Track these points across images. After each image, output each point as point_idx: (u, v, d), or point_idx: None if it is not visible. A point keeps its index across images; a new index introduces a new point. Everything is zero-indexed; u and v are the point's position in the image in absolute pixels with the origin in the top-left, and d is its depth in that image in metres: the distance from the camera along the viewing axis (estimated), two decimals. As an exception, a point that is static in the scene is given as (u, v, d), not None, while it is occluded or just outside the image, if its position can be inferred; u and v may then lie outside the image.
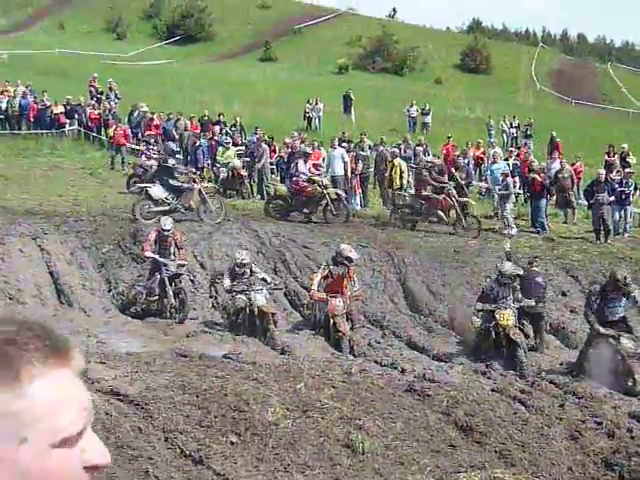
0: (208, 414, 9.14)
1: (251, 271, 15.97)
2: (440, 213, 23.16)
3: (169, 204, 21.97)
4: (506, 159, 29.85)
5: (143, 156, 27.00)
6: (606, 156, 32.74)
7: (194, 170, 24.13)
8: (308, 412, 9.45)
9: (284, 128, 35.29)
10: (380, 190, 27.25)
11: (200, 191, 22.16)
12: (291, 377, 10.91)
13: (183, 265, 17.34)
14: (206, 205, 22.19)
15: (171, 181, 22.25)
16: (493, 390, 11.35)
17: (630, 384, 12.86)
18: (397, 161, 25.78)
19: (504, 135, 42.51)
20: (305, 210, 23.37)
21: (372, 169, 28.30)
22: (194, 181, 22.54)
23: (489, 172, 26.63)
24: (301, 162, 24.09)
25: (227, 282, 15.97)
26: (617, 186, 24.35)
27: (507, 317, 14.31)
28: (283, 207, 23.46)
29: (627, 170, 26.07)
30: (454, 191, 23.30)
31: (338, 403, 9.80)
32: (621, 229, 24.76)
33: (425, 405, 10.23)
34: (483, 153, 31.85)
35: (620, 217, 24.74)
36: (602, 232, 23.43)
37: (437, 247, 21.61)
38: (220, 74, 60.97)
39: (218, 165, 27.98)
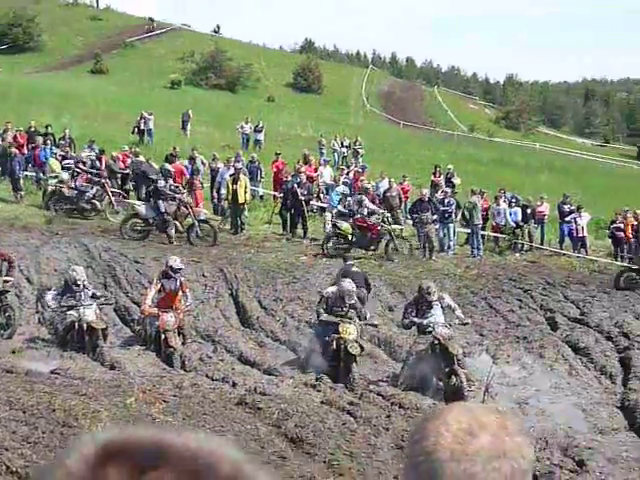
0: (35, 430, 8.94)
1: (83, 286, 15.72)
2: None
3: (155, 225, 22.98)
4: (338, 177, 30.44)
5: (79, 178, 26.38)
6: (432, 176, 33.83)
7: (185, 193, 24.25)
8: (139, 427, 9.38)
9: (115, 142, 34.79)
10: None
11: (189, 215, 23.21)
12: (121, 392, 10.82)
13: (8, 281, 16.86)
14: (194, 229, 23.22)
15: (159, 202, 22.89)
16: (322, 402, 11.56)
17: (455, 381, 13.38)
18: (242, 177, 25.95)
19: (335, 154, 43.17)
20: (371, 247, 23.58)
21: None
22: (185, 206, 23.27)
23: (330, 194, 27.09)
24: (366, 199, 24.08)
25: (51, 300, 15.66)
26: (440, 205, 25.28)
27: (350, 331, 14.61)
28: (344, 244, 23.55)
29: (446, 189, 27.09)
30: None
31: (169, 417, 9.79)
32: (445, 246, 25.69)
33: (256, 418, 10.32)
34: (315, 170, 32.29)
35: (444, 235, 25.68)
36: (427, 249, 24.25)
37: (269, 263, 21.81)
38: (49, 85, 59.41)
39: (45, 178, 27.36)
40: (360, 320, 15.17)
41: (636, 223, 26.71)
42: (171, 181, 24.02)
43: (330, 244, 23.60)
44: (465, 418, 1.50)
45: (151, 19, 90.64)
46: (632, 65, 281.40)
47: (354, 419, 10.75)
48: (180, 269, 16.35)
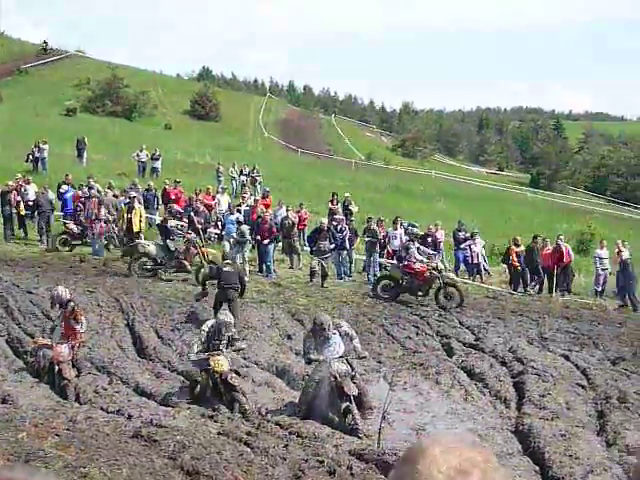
0: None
1: None
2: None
3: (164, 263, 23.32)
4: (238, 205, 30.45)
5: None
6: (330, 204, 34.09)
7: (194, 234, 24.32)
8: (30, 461, 9.16)
9: (9, 170, 34.11)
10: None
11: (198, 255, 23.68)
12: (12, 426, 10.54)
13: None
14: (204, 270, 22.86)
15: (168, 242, 23.34)
16: (219, 433, 11.46)
17: (349, 421, 13.41)
18: (137, 205, 25.72)
19: (234, 182, 43.18)
20: (419, 293, 23.44)
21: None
22: (194, 246, 23.61)
23: (225, 222, 26.93)
24: (413, 246, 23.87)
25: None
26: (337, 233, 25.47)
27: (221, 363, 14.55)
28: (393, 287, 23.50)
29: (338, 217, 27.34)
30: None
31: (62, 451, 9.57)
32: (342, 274, 25.89)
33: (152, 450, 10.18)
34: (213, 198, 32.25)
35: (340, 262, 25.90)
36: (321, 277, 24.40)
37: (166, 292, 21.63)
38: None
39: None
40: (228, 347, 15.14)
41: (520, 250, 27.30)
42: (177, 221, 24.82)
43: (379, 288, 23.79)
44: (452, 456, 1.51)
45: (45, 42, 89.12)
46: (523, 93, 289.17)
47: (251, 449, 10.68)
48: (67, 300, 16.03)
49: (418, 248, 24.10)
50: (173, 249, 23.30)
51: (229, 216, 26.83)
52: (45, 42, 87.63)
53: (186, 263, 23.51)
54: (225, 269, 19.88)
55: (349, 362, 14.19)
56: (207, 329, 15.09)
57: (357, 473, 10.11)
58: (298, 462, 10.27)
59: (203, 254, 23.68)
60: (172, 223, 23.86)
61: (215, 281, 20.13)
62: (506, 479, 1.56)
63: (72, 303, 15.94)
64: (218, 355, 14.64)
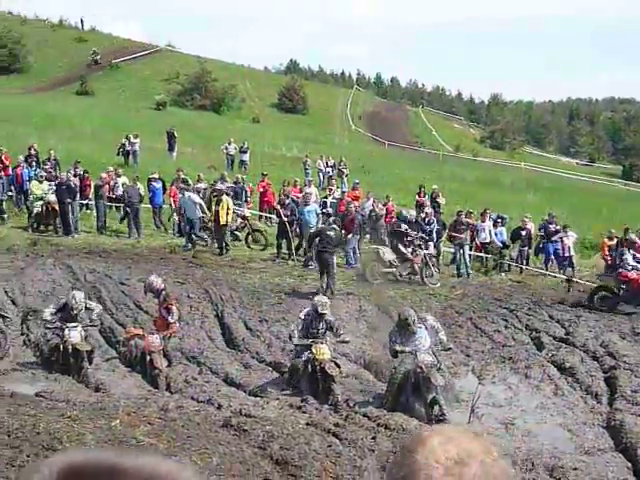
0: (20, 453, 8.89)
1: (77, 314, 15.67)
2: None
3: (396, 266, 23.93)
4: (325, 197, 30.48)
5: None
6: (417, 196, 33.91)
7: (422, 236, 25.00)
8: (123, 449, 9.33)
9: (100, 163, 34.76)
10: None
11: (425, 256, 24.11)
12: (106, 414, 10.75)
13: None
14: (428, 269, 24.06)
15: (400, 246, 23.96)
16: (308, 424, 11.51)
17: (437, 412, 13.36)
18: (224, 198, 25.93)
19: (320, 174, 43.26)
20: (636, 302, 22.77)
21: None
22: (419, 247, 24.23)
23: (302, 213, 26.91)
24: (627, 253, 23.68)
25: (48, 315, 15.63)
26: (426, 225, 25.34)
27: (323, 351, 14.63)
28: (611, 298, 22.89)
29: (427, 209, 27.20)
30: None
31: (154, 440, 9.73)
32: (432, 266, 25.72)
33: (241, 440, 10.28)
34: (300, 191, 32.34)
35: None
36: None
37: (254, 283, 21.81)
38: (34, 107, 59.37)
39: (31, 199, 27.30)
40: (333, 337, 15.24)
41: (613, 243, 26.83)
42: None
43: (596, 299, 22.92)
44: (451, 446, 1.50)
45: (94, 52, 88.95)
46: (617, 84, 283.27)
47: (339, 441, 10.70)
48: (160, 289, 16.30)
49: (623, 254, 23.61)
50: (405, 252, 23.61)
51: (305, 207, 26.73)
52: (94, 52, 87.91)
53: (416, 266, 23.89)
54: (328, 232, 21.66)
55: (435, 354, 14.14)
56: (303, 317, 15.21)
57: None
58: (386, 454, 10.27)
59: (427, 256, 24.35)
60: (404, 227, 24.28)
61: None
62: (506, 471, 1.53)
63: (165, 292, 16.22)
64: (322, 343, 14.75)
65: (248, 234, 27.90)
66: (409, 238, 23.97)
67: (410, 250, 23.86)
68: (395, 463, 1.56)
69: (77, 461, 1.12)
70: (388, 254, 23.83)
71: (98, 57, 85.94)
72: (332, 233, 21.84)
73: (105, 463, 1.11)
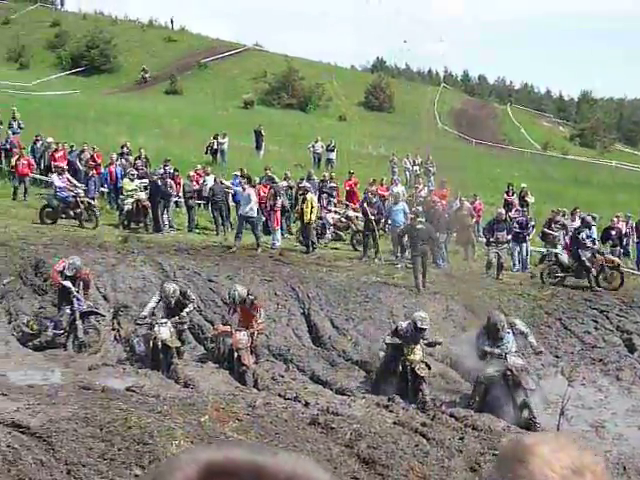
0: (112, 447, 9.06)
1: (175, 304, 16.03)
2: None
3: (575, 270, 23.64)
4: (410, 195, 30.37)
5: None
6: (505, 195, 33.52)
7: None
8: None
9: (189, 162, 35.19)
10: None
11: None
12: (195, 410, 10.89)
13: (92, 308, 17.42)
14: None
15: (580, 251, 23.40)
16: (395, 423, 11.51)
17: (527, 415, 13.22)
18: (309, 196, 26.00)
19: (407, 172, 43.09)
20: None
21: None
22: (599, 253, 23.91)
23: (390, 213, 26.73)
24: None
25: (146, 310, 16.01)
26: (516, 225, 25.02)
27: (415, 351, 14.61)
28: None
29: (519, 209, 26.88)
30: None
31: (242, 436, 9.83)
32: (520, 266, 25.43)
33: (328, 438, 10.32)
34: (387, 189, 32.24)
35: (518, 253, 25.43)
36: (498, 268, 23.99)
37: (341, 282, 21.81)
38: (125, 106, 60.38)
39: (122, 197, 27.75)
40: (423, 339, 15.19)
41: None
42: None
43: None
44: (563, 455, 1.47)
45: (144, 69, 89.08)
46: None
47: (427, 441, 10.68)
48: (245, 297, 16.43)
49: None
50: (584, 259, 23.51)
51: (394, 206, 26.58)
52: (144, 69, 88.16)
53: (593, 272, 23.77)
54: (418, 226, 21.88)
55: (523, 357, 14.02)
56: (400, 330, 15.18)
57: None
58: (474, 455, 10.20)
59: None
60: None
61: None
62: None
63: (251, 297, 16.37)
64: (415, 344, 14.74)
65: (353, 235, 27.84)
66: (587, 245, 23.62)
67: (588, 256, 23.48)
68: (502, 474, 1.51)
69: (218, 459, 1.14)
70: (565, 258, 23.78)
71: (147, 75, 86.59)
72: (421, 226, 21.98)
73: (246, 461, 1.13)
